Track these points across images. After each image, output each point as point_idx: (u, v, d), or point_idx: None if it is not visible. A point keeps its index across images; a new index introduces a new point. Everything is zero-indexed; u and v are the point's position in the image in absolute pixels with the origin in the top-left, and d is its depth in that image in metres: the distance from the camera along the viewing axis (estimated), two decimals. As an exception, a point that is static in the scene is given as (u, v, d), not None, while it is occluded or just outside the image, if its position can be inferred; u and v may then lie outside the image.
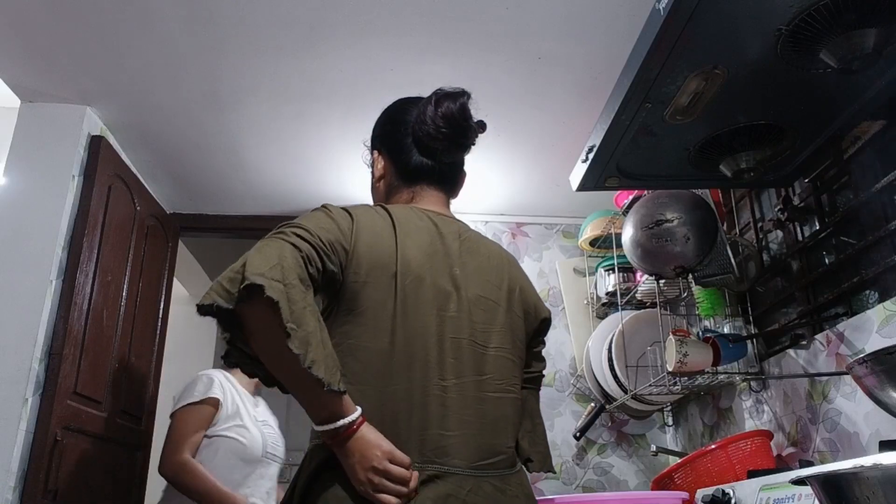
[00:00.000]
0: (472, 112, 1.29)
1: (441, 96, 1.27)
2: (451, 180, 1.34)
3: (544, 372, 1.41)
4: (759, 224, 2.04)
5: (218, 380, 2.17)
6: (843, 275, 1.68)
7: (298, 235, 1.04)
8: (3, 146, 2.32)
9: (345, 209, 1.16)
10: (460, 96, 1.27)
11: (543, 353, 1.42)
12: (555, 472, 1.25)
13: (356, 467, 1.00)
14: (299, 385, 1.00)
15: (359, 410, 1.02)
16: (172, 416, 2.15)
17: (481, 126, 1.31)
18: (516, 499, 1.12)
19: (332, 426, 1.00)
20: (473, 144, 1.32)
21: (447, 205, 1.33)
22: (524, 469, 1.24)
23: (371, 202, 1.34)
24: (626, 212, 2.30)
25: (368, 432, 1.02)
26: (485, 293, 1.20)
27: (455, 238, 1.23)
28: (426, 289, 1.13)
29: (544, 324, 1.34)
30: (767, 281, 2.02)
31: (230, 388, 2.20)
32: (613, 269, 2.63)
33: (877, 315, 1.53)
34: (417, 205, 1.28)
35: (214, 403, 2.12)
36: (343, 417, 1.00)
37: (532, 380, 1.36)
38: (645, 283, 2.46)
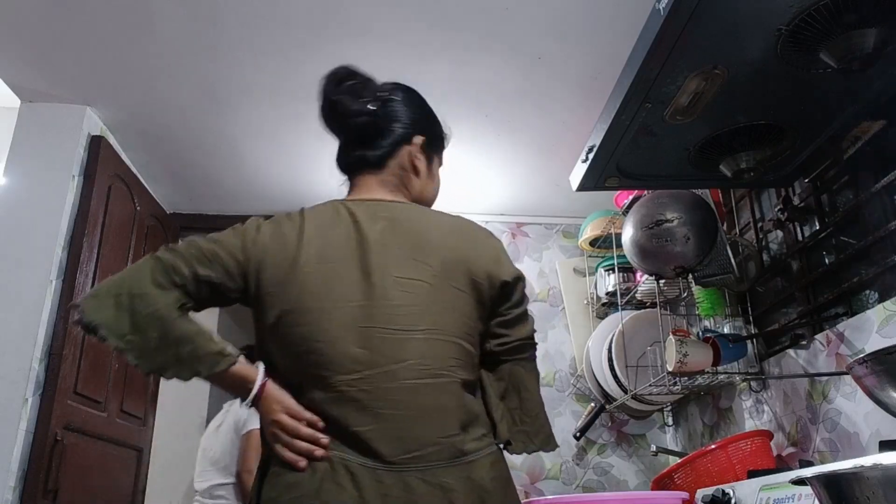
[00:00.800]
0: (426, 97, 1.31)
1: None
2: (371, 160, 1.24)
3: (531, 338, 1.24)
4: (759, 224, 2.04)
5: None
6: (843, 275, 1.68)
7: (168, 249, 1.15)
8: (3, 146, 2.32)
9: (259, 222, 1.18)
10: (327, 77, 1.25)
11: (544, 347, 1.40)
12: (554, 448, 1.27)
13: (263, 425, 1.09)
14: (190, 376, 1.09)
15: (260, 372, 1.09)
16: (247, 434, 2.43)
17: (343, 87, 1.23)
18: (453, 493, 1.01)
19: (249, 397, 1.08)
20: (360, 113, 1.22)
21: (385, 185, 1.24)
22: (493, 456, 1.11)
23: None
24: (626, 212, 2.30)
25: (272, 390, 1.08)
26: (407, 274, 1.11)
27: (377, 221, 1.16)
28: (328, 285, 1.09)
29: (506, 288, 1.18)
30: (767, 281, 2.02)
31: None
32: (613, 269, 2.63)
33: (877, 315, 1.53)
34: (350, 195, 1.25)
35: None
36: (251, 384, 1.08)
37: (511, 350, 1.21)
38: (645, 283, 2.46)
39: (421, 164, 1.26)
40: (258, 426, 1.37)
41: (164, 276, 1.11)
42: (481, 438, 1.10)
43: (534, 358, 1.26)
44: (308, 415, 1.05)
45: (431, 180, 1.30)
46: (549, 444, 1.24)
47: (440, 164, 1.34)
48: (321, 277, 1.10)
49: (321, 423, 1.04)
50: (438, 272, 1.13)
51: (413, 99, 1.30)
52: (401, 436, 1.03)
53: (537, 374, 1.27)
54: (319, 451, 1.02)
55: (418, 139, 1.26)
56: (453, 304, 1.13)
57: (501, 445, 1.16)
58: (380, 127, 1.24)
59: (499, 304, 1.19)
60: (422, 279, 1.12)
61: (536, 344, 1.27)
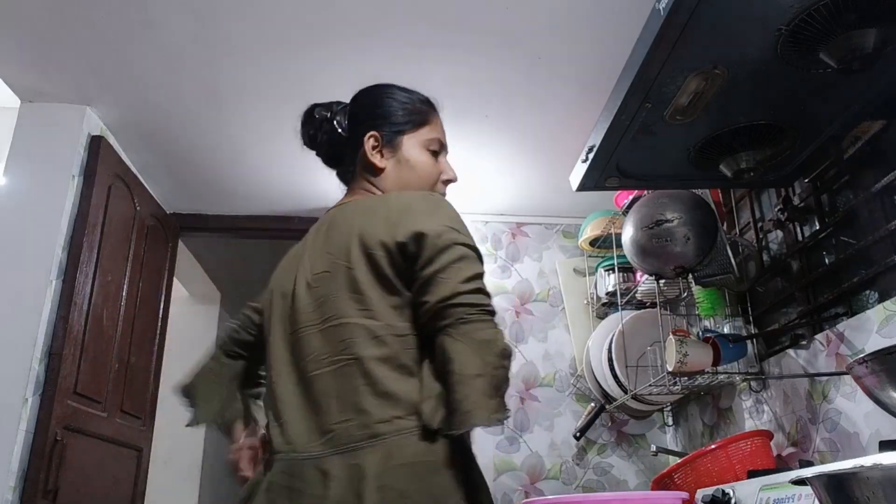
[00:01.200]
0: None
1: None
2: (341, 169, 1.33)
3: (453, 300, 1.03)
4: (759, 224, 2.04)
5: None
6: (843, 275, 1.68)
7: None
8: (3, 146, 2.32)
9: None
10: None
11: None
12: (472, 426, 1.00)
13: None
14: None
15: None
16: None
17: (302, 129, 1.34)
18: (336, 480, 0.98)
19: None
20: (315, 147, 1.33)
21: (354, 192, 1.28)
22: (403, 440, 1.01)
23: None
24: (626, 212, 2.30)
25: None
26: (321, 268, 1.14)
27: (324, 223, 1.23)
28: (276, 302, 1.21)
29: (407, 249, 1.07)
30: (767, 281, 2.02)
31: None
32: (613, 269, 2.63)
33: (877, 315, 1.53)
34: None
35: None
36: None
37: (433, 317, 1.05)
38: (645, 283, 2.46)
39: (378, 158, 1.24)
40: None
41: (227, 343, 1.41)
42: (391, 421, 1.01)
43: (468, 321, 1.02)
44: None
45: (403, 165, 1.24)
46: (464, 423, 0.98)
47: (421, 140, 1.26)
48: (271, 295, 1.23)
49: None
50: (337, 257, 1.13)
51: (356, 101, 1.32)
52: (307, 426, 1.06)
53: (472, 339, 1.02)
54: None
55: (368, 138, 1.25)
56: (349, 285, 1.09)
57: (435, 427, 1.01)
58: (333, 149, 1.31)
59: (411, 268, 1.08)
60: (325, 270, 1.14)
61: (475, 304, 1.04)
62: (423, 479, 0.99)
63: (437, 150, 1.28)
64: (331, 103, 1.32)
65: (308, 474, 1.02)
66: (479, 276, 1.08)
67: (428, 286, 1.06)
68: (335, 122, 1.29)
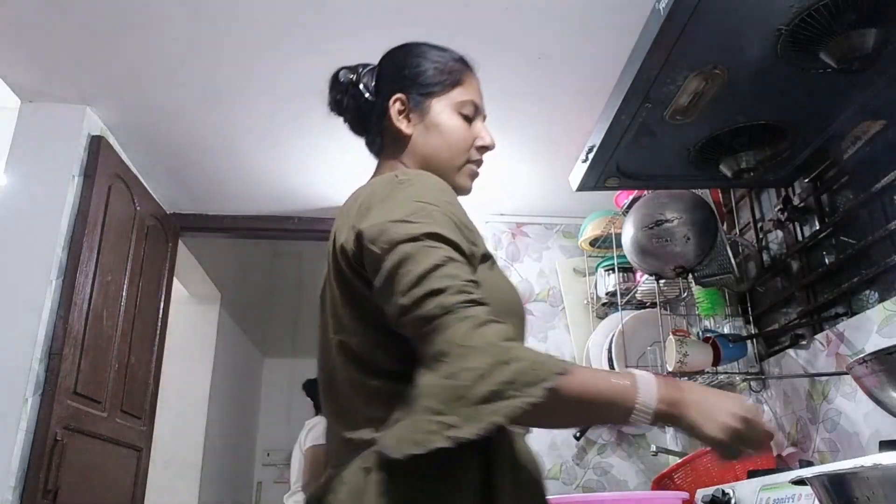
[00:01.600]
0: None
1: None
2: (368, 139, 1.17)
3: (407, 312, 0.82)
4: (759, 224, 2.04)
5: None
6: (843, 275, 1.68)
7: None
8: (3, 146, 2.32)
9: None
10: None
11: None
12: (400, 454, 0.78)
13: None
14: None
15: None
16: (308, 450, 2.84)
17: (333, 85, 1.17)
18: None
19: None
20: (341, 102, 1.16)
21: (379, 165, 1.15)
22: (354, 469, 0.87)
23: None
24: (626, 212, 2.30)
25: None
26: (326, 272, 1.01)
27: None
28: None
29: (359, 254, 0.90)
30: (767, 281, 2.02)
31: None
32: (613, 269, 2.63)
33: (877, 315, 1.53)
34: None
35: None
36: None
37: (401, 327, 0.84)
38: (645, 283, 2.46)
39: (404, 124, 1.10)
40: (314, 443, 1.47)
41: None
42: (354, 448, 0.88)
43: (427, 333, 0.81)
44: None
45: (431, 131, 1.10)
46: (396, 449, 0.79)
47: (452, 102, 1.11)
48: None
49: None
50: (328, 265, 0.98)
51: (384, 62, 1.17)
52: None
53: (431, 353, 0.80)
54: None
55: (394, 101, 1.11)
56: (330, 298, 0.96)
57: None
58: (360, 114, 1.16)
59: (367, 273, 0.91)
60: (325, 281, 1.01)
61: (426, 317, 0.81)
62: None
63: (471, 114, 1.12)
64: (357, 65, 1.19)
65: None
66: (428, 272, 0.83)
67: (380, 298, 0.87)
68: (361, 86, 1.15)
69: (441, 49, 1.15)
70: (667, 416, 0.82)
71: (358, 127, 1.18)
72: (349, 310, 0.93)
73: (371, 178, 1.10)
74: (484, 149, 1.13)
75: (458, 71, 1.14)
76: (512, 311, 0.96)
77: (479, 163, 1.14)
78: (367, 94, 1.14)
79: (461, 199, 1.08)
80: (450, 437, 0.76)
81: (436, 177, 1.02)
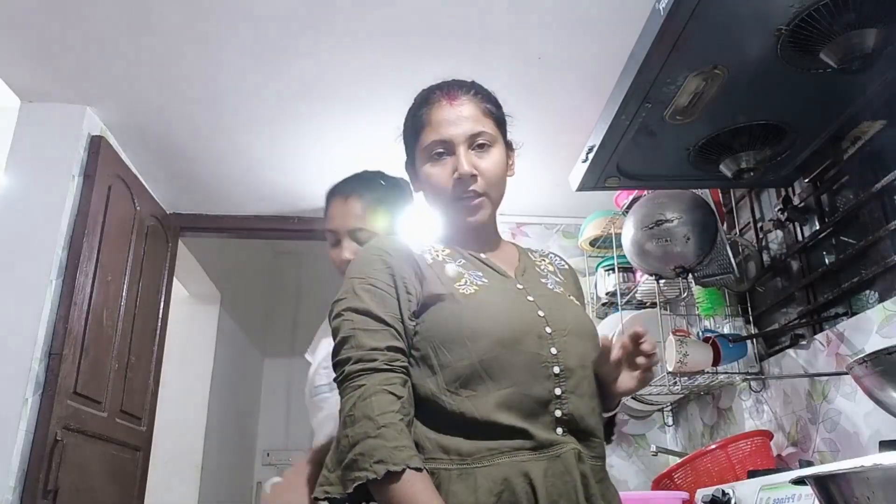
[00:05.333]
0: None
1: None
2: None
3: (337, 366, 0.99)
4: (759, 224, 2.04)
5: None
6: (843, 275, 1.68)
7: None
8: (3, 146, 2.32)
9: None
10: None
11: None
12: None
13: None
14: None
15: None
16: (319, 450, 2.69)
17: None
18: None
19: None
20: None
21: None
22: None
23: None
24: (626, 212, 2.30)
25: None
26: None
27: None
28: None
29: None
30: (767, 281, 2.02)
31: None
32: (613, 269, 2.63)
33: (877, 315, 1.53)
34: None
35: None
36: None
37: None
38: (645, 283, 2.46)
39: (416, 189, 1.16)
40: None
41: None
42: None
43: (346, 385, 0.93)
44: None
45: (423, 187, 1.12)
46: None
47: (421, 152, 1.10)
48: None
49: None
50: None
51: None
52: None
53: (347, 400, 0.92)
54: None
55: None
56: None
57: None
58: None
59: None
60: None
61: (337, 381, 0.95)
62: None
63: (444, 150, 1.07)
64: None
65: None
66: (340, 344, 0.96)
67: None
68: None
69: (415, 98, 1.14)
70: None
71: None
72: None
73: None
74: (462, 176, 1.05)
75: (419, 116, 1.10)
76: (469, 338, 0.96)
77: (470, 195, 1.07)
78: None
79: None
80: (326, 492, 0.89)
81: (380, 242, 1.07)
